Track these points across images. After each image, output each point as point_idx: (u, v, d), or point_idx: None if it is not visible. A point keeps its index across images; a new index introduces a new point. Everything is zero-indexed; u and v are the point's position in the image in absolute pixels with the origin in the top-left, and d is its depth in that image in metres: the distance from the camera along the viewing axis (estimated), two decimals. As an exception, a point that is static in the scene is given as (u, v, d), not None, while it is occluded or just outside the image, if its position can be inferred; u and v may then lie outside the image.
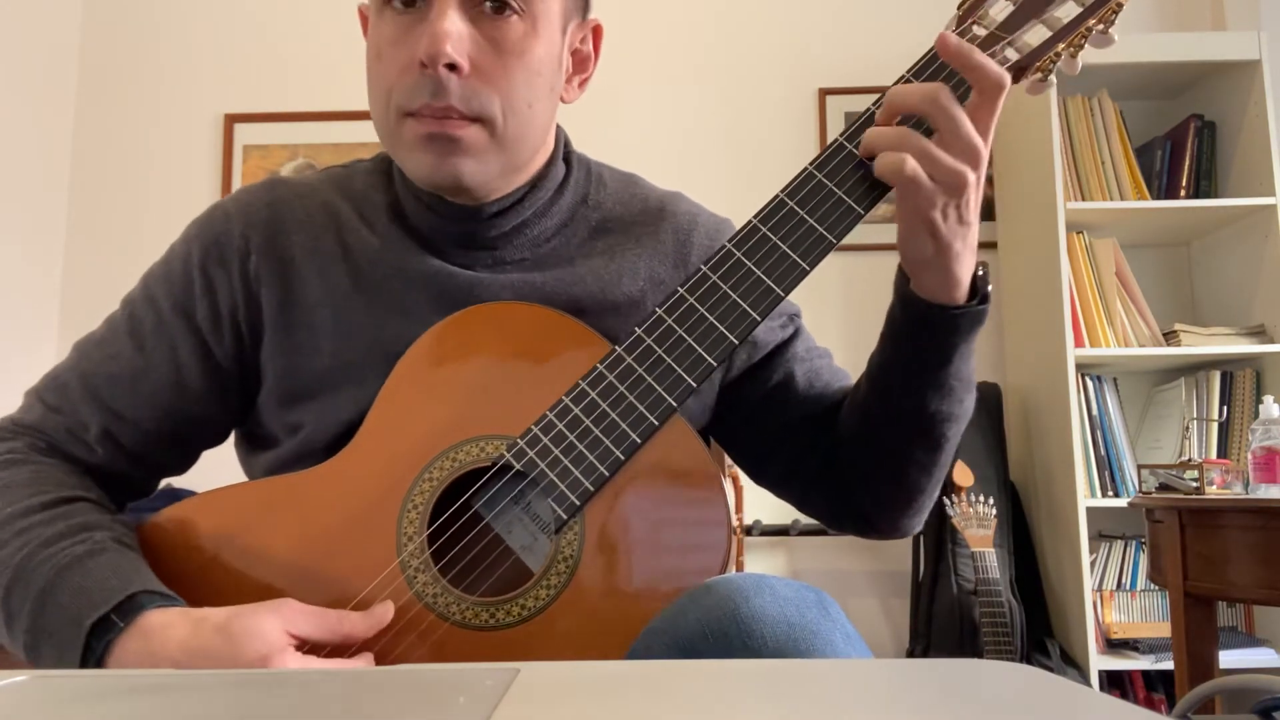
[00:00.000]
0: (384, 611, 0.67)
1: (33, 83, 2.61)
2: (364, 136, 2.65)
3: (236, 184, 2.68)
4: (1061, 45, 0.74)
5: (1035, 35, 0.73)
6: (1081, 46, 0.74)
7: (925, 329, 0.73)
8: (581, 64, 0.84)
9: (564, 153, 0.86)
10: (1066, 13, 0.73)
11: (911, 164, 0.67)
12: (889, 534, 0.86)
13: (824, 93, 2.65)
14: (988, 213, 2.58)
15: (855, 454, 0.81)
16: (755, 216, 0.73)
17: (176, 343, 0.79)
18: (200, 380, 0.79)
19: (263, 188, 0.83)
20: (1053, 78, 0.76)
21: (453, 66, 0.70)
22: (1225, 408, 2.32)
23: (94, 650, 0.64)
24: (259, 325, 0.80)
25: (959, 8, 0.76)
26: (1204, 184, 2.42)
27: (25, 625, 0.67)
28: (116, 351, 0.80)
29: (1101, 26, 0.74)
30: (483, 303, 0.78)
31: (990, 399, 2.42)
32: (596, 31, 0.84)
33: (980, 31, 0.74)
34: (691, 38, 2.69)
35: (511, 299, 0.79)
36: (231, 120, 2.69)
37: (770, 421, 0.85)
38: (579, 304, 0.80)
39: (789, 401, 0.85)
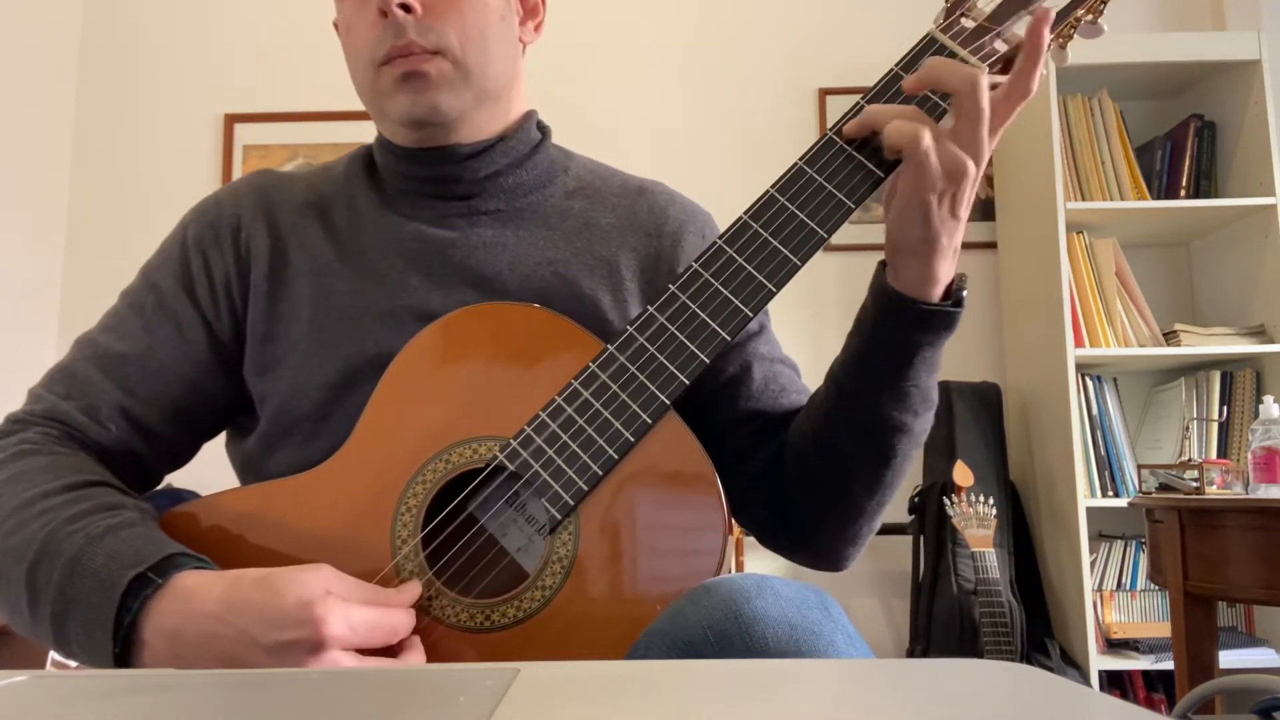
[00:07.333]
0: (414, 588, 0.68)
1: (33, 83, 2.61)
2: (363, 136, 2.65)
3: (236, 184, 2.67)
4: (1050, 35, 0.74)
5: (1023, 26, 0.72)
6: (1070, 37, 0.74)
7: (892, 320, 0.72)
8: (532, 10, 0.90)
9: (538, 125, 0.91)
10: (1054, 3, 0.73)
11: (927, 135, 0.67)
12: (821, 557, 0.84)
13: (824, 93, 2.65)
14: (988, 213, 2.58)
15: (804, 459, 0.80)
16: (746, 213, 0.72)
17: (180, 319, 0.82)
18: (205, 353, 0.82)
19: (250, 176, 0.89)
20: (1042, 69, 0.75)
21: (406, 8, 0.78)
22: (1225, 408, 2.33)
23: (129, 610, 0.63)
24: (249, 296, 0.83)
25: (947, 0, 0.76)
26: (1204, 184, 2.42)
27: (53, 595, 0.66)
28: (123, 333, 0.82)
29: (1090, 17, 0.74)
30: (454, 261, 0.82)
31: (990, 399, 2.41)
32: None
33: (969, 23, 0.73)
34: (691, 37, 2.69)
35: (483, 258, 0.82)
36: (231, 120, 2.69)
37: (719, 413, 0.84)
38: (553, 263, 0.83)
39: (739, 396, 0.84)
